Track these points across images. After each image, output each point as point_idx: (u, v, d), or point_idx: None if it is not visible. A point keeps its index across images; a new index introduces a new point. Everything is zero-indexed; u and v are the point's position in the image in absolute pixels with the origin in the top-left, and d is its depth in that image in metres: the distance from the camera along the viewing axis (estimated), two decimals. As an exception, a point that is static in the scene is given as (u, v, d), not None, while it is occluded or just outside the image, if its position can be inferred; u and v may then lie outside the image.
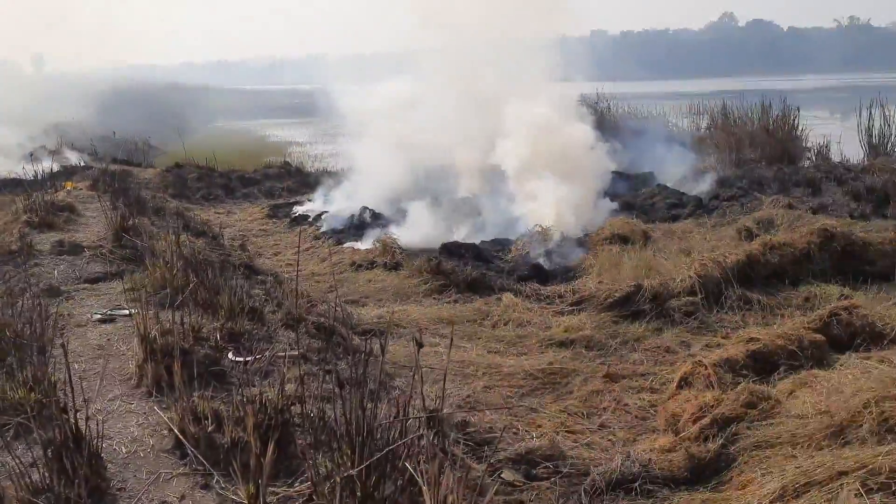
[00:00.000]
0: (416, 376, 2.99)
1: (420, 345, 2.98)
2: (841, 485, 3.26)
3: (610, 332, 6.64)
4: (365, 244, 10.21)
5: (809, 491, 3.32)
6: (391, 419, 2.72)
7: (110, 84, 38.08)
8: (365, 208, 12.05)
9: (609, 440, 4.64)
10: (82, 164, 17.99)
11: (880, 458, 3.30)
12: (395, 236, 9.92)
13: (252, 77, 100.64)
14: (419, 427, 2.86)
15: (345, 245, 10.51)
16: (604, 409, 5.12)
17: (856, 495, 3.17)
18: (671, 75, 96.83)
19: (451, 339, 3.26)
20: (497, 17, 15.38)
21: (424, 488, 2.53)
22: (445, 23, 14.78)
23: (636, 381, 5.57)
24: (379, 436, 2.82)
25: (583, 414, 5.05)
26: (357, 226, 11.50)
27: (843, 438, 3.64)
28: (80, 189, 12.28)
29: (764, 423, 4.03)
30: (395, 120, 13.60)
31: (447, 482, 2.61)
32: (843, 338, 5.48)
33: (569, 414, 5.05)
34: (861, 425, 3.65)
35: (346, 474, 2.47)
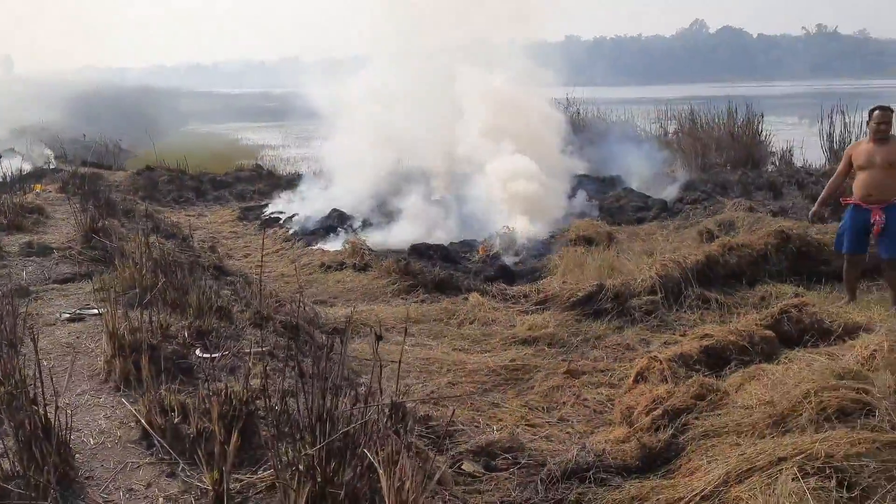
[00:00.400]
0: (375, 368, 3.12)
1: (379, 337, 3.12)
2: (780, 470, 3.43)
3: (572, 330, 6.82)
4: (335, 246, 10.32)
5: (751, 476, 3.49)
6: (350, 408, 2.85)
7: (80, 86, 37.84)
8: (335, 210, 12.15)
9: (567, 433, 4.80)
10: (52, 166, 17.89)
11: (817, 444, 3.48)
12: (364, 238, 10.04)
13: (225, 80, 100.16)
14: (378, 415, 2.99)
15: (315, 247, 10.61)
16: (563, 403, 5.28)
17: (793, 479, 3.34)
18: (643, 81, 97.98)
19: (406, 329, 3.39)
20: (472, 21, 15.61)
21: (381, 472, 2.66)
22: (423, 26, 14.97)
23: (596, 376, 5.73)
24: (340, 425, 2.95)
25: (543, 408, 5.21)
26: (327, 228, 11.60)
27: (783, 427, 3.83)
28: (50, 191, 12.26)
29: (712, 413, 4.21)
30: (367, 123, 13.74)
31: (404, 468, 2.75)
32: (793, 334, 5.70)
33: (529, 408, 5.20)
34: (801, 414, 3.84)
35: (303, 454, 2.59)
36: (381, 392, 2.92)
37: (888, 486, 3.28)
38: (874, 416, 3.75)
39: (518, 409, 5.18)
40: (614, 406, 5.01)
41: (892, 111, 6.83)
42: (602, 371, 5.86)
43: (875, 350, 4.83)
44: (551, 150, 13.01)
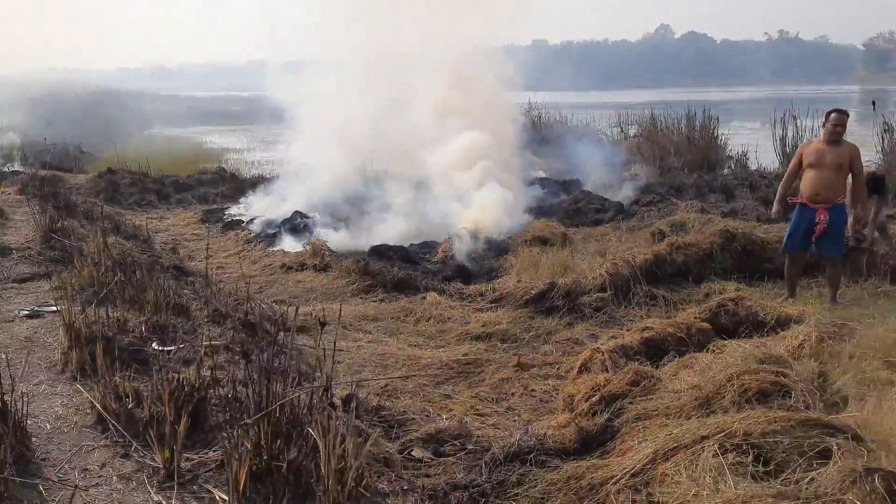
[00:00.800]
0: (319, 354, 3.31)
1: (323, 324, 3.31)
2: (703, 447, 3.67)
3: (525, 326, 7.05)
4: (296, 247, 10.44)
5: (677, 454, 3.73)
6: (294, 386, 3.03)
7: (42, 88, 37.38)
8: (297, 213, 12.27)
9: (513, 420, 5.02)
10: (11, 169, 17.78)
11: (736, 423, 3.74)
12: (325, 239, 10.18)
13: (191, 83, 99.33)
14: (320, 395, 3.17)
15: (276, 248, 10.72)
16: (512, 394, 5.50)
17: (714, 456, 3.59)
18: (609, 85, 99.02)
19: (340, 309, 3.58)
20: (439, 24, 15.81)
21: (321, 444, 2.84)
22: (389, 30, 15.13)
23: (544, 369, 5.96)
24: (287, 405, 3.12)
25: (492, 399, 5.43)
26: (289, 230, 11.71)
27: (708, 408, 4.09)
28: (9, 193, 12.24)
29: (645, 398, 4.45)
30: (330, 126, 13.87)
31: (347, 447, 2.93)
32: (729, 326, 6.00)
33: (479, 399, 5.41)
34: (724, 396, 4.10)
35: (244, 423, 2.76)
36: (322, 373, 3.10)
37: (800, 461, 3.53)
38: (790, 396, 4.02)
39: (468, 399, 5.38)
40: (559, 395, 5.24)
41: (847, 115, 7.11)
42: (551, 364, 6.08)
43: (804, 340, 5.15)
44: (510, 149, 13.29)
